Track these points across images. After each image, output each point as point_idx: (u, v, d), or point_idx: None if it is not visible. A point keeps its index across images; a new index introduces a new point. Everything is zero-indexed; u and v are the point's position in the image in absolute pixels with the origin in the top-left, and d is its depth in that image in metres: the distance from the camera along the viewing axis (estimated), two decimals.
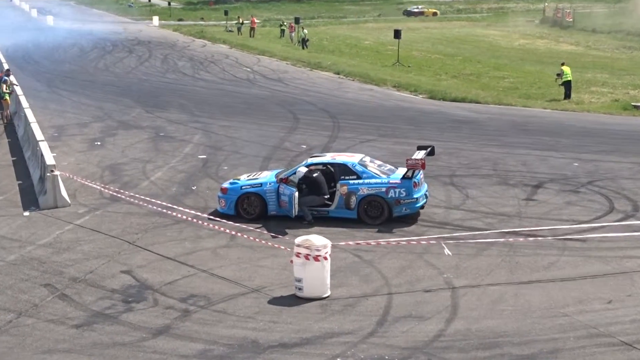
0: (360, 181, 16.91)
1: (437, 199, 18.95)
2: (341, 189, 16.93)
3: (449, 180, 20.73)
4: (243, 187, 17.40)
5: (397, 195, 16.72)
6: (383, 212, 16.78)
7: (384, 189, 16.77)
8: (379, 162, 18.04)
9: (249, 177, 18.01)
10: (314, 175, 16.63)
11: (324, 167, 17.19)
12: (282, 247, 14.65)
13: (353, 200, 16.78)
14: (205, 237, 16.22)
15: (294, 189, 16.65)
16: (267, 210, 17.21)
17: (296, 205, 16.50)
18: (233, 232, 15.72)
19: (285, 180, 17.07)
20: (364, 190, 16.79)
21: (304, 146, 24.73)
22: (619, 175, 20.88)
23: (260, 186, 17.31)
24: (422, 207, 17.44)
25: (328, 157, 17.76)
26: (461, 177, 21.04)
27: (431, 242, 14.50)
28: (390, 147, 24.81)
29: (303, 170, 16.84)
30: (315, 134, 27.07)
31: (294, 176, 17.22)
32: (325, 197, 16.57)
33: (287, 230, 16.44)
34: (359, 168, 17.10)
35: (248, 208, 17.31)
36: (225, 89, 37.75)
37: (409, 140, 25.46)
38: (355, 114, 30.91)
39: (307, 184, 16.64)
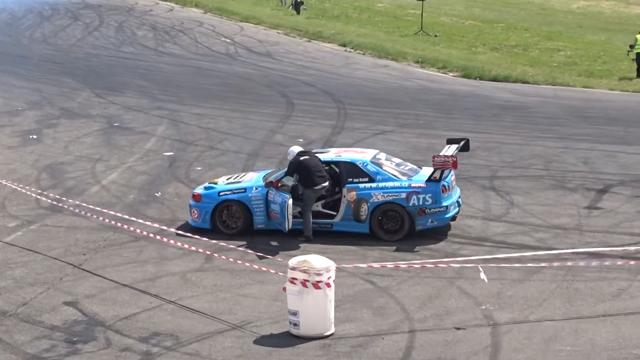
0: (374, 185, 17.14)
1: (473, 207, 19.10)
2: (349, 195, 17.13)
3: (489, 184, 20.97)
4: (222, 193, 17.59)
5: (421, 202, 16.97)
6: (403, 225, 17.03)
7: (404, 195, 17.01)
8: (397, 160, 18.26)
9: (229, 181, 18.18)
10: (302, 158, 16.88)
11: (327, 167, 17.48)
12: (273, 271, 14.69)
13: (364, 209, 16.95)
14: (172, 259, 16.32)
15: (287, 196, 16.75)
16: (253, 223, 17.45)
17: (290, 216, 16.63)
18: (208, 252, 15.83)
19: (275, 184, 17.15)
20: (379, 197, 17.04)
21: (301, 139, 24.91)
22: None
23: (244, 192, 17.53)
24: (453, 218, 17.64)
25: (331, 154, 18.01)
26: (504, 180, 21.27)
27: (465, 264, 14.42)
28: (412, 141, 25.01)
29: (296, 149, 17.20)
30: (314, 123, 27.39)
31: (286, 179, 17.43)
32: (317, 187, 16.76)
33: (278, 249, 16.62)
34: (371, 168, 17.33)
35: (228, 220, 17.56)
36: (199, 66, 38.04)
37: (437, 132, 25.62)
38: (366, 98, 31.21)
39: (297, 172, 16.94)
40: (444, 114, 28.83)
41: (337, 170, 17.45)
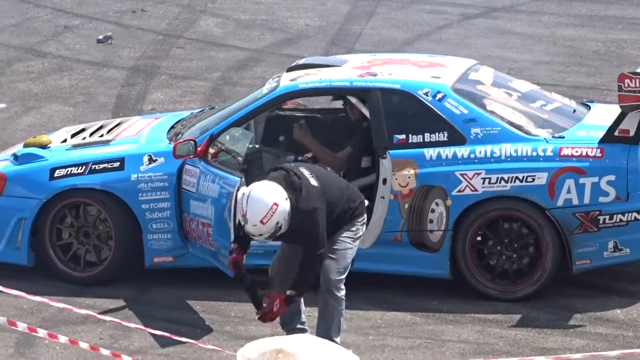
0: (464, 151, 10.50)
1: None
2: (398, 175, 10.82)
3: None
4: (59, 173, 11.09)
5: (586, 199, 10.16)
6: (541, 259, 10.23)
7: (542, 179, 10.24)
8: (525, 87, 11.07)
9: (79, 139, 11.83)
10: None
11: (342, 106, 10.89)
12: None
13: (438, 216, 10.52)
14: None
15: (237, 179, 10.26)
16: (144, 250, 10.73)
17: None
18: (23, 329, 9.50)
19: (201, 151, 10.53)
20: (475, 184, 10.37)
21: (304, 20, 17.95)
22: None
23: (120, 167, 10.91)
24: None
25: (355, 71, 10.92)
26: None
27: None
28: (559, 34, 17.34)
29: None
30: None
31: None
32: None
33: (217, 321, 10.48)
34: (457, 106, 10.51)
35: (77, 244, 11.13)
36: None
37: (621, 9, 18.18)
38: None
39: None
40: None
41: (368, 112, 10.61)
